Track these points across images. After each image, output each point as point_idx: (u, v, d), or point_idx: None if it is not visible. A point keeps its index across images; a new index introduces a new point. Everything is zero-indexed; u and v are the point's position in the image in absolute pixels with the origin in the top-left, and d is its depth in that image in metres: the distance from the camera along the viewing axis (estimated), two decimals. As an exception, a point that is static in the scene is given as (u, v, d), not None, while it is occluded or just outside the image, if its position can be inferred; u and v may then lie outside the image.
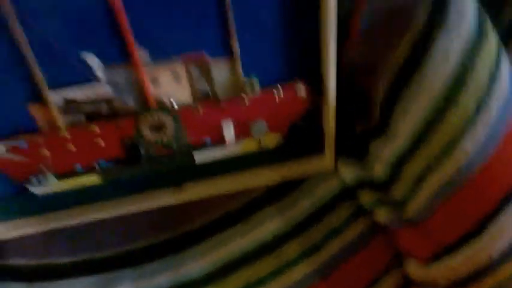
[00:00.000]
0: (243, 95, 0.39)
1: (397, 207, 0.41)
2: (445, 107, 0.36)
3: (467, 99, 0.35)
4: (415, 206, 0.39)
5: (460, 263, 0.38)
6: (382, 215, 0.42)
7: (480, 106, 0.35)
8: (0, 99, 0.37)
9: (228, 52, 0.37)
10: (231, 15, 0.35)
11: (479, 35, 0.37)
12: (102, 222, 0.43)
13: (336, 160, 0.44)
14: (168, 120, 0.39)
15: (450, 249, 0.38)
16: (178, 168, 0.43)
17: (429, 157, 0.37)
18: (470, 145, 0.35)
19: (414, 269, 0.42)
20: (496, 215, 0.35)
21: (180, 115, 0.39)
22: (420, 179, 0.38)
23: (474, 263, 0.37)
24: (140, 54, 0.36)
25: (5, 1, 0.32)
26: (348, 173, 0.44)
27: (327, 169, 0.45)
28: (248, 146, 0.43)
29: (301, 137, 0.44)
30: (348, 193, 0.44)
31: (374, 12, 0.42)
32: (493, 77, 0.36)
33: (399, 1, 0.40)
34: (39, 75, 0.36)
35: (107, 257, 0.44)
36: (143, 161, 0.41)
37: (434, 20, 0.37)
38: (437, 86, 0.36)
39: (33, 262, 0.44)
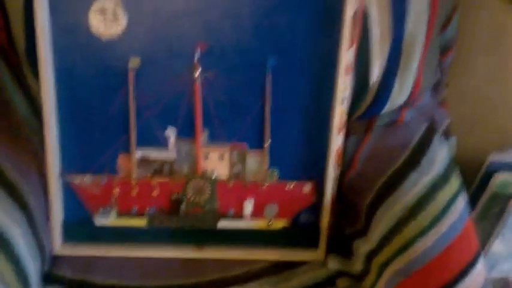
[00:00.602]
0: (265, 182, 0.54)
1: None
2: (407, 220, 0.49)
3: (424, 218, 0.49)
4: None
5: None
6: None
7: (433, 224, 0.48)
8: (98, 146, 0.54)
9: (261, 146, 0.54)
10: (268, 122, 0.53)
11: (444, 178, 0.51)
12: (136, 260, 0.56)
13: (327, 253, 0.56)
14: (207, 187, 0.54)
15: None
16: (203, 230, 0.56)
17: (390, 254, 0.49)
18: (421, 249, 0.47)
19: None
20: None
21: (216, 185, 0.54)
22: (382, 270, 0.49)
23: None
24: (203, 135, 0.53)
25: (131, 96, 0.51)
26: (334, 265, 0.55)
27: (318, 259, 0.56)
28: (260, 224, 0.56)
29: (302, 228, 0.57)
30: (330, 280, 0.55)
31: (370, 149, 0.58)
32: (448, 207, 0.49)
33: (390, 144, 0.57)
34: (134, 136, 0.53)
35: (134, 286, 0.54)
36: (181, 214, 0.55)
37: (411, 161, 0.53)
38: (404, 206, 0.50)
39: (76, 277, 0.55)
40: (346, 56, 0.51)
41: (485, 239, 0.59)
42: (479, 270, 0.47)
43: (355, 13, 0.50)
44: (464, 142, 0.63)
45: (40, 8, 0.49)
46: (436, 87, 0.61)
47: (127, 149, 0.54)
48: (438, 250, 0.47)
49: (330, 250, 0.57)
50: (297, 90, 0.53)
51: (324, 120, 0.53)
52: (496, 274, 0.60)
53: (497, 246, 0.57)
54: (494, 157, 0.57)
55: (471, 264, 0.47)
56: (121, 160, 0.54)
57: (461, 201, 0.51)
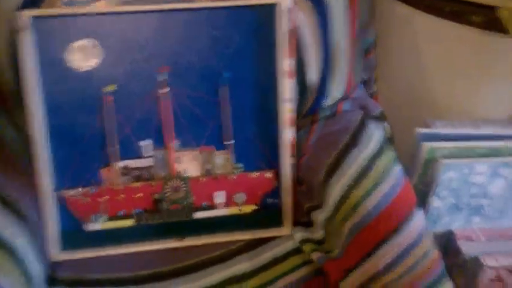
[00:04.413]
0: (231, 175, 0.64)
1: (327, 251, 0.63)
2: (353, 187, 0.60)
3: (368, 183, 0.60)
4: (337, 249, 0.61)
5: (360, 274, 0.58)
6: (315, 256, 0.64)
7: (376, 186, 0.59)
8: (85, 163, 0.62)
9: (226, 148, 0.64)
10: (229, 126, 0.62)
11: (380, 151, 0.62)
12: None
13: (293, 228, 0.67)
14: (182, 185, 0.63)
15: (356, 267, 0.58)
16: (183, 222, 0.65)
17: (343, 216, 0.60)
18: (368, 207, 0.58)
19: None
20: (382, 244, 0.56)
21: (190, 183, 0.63)
22: (338, 231, 0.60)
23: (368, 273, 0.57)
24: (175, 143, 0.62)
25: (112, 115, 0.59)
26: (299, 236, 0.66)
27: (285, 233, 0.67)
28: (232, 211, 0.66)
29: (269, 210, 0.67)
30: (297, 250, 0.65)
31: (317, 138, 0.68)
32: (387, 172, 0.60)
33: (332, 131, 0.67)
34: (113, 151, 0.61)
35: (128, 277, 0.63)
36: (163, 211, 0.64)
37: (352, 142, 0.63)
38: (349, 177, 0.61)
39: (75, 277, 0.63)
40: (285, 63, 0.61)
41: (425, 199, 0.70)
42: (418, 218, 0.58)
43: (290, 29, 0.60)
44: (396, 125, 0.74)
45: (25, 46, 0.56)
46: (367, 82, 0.73)
47: (110, 162, 0.62)
48: (383, 206, 0.58)
49: (296, 225, 0.68)
50: (250, 96, 0.63)
51: (276, 118, 0.64)
52: (440, 228, 0.70)
53: (436, 203, 0.68)
54: (421, 131, 0.68)
55: (411, 214, 0.57)
56: (105, 172, 0.62)
57: (398, 167, 0.61)
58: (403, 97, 0.78)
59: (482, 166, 0.63)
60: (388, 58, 0.76)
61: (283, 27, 0.60)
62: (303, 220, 0.68)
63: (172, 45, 0.60)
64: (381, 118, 0.71)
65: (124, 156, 0.62)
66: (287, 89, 0.62)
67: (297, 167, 0.68)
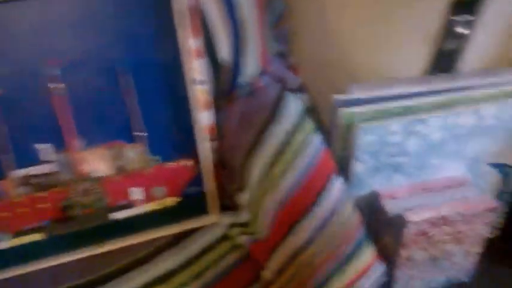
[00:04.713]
0: (147, 169, 0.59)
1: (252, 233, 0.62)
2: (273, 164, 0.59)
3: (287, 158, 0.58)
4: (262, 230, 0.60)
5: (283, 253, 0.57)
6: (242, 239, 0.63)
7: (295, 160, 0.58)
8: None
9: (139, 140, 0.58)
10: (138, 117, 0.57)
11: (298, 125, 0.60)
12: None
13: (220, 214, 0.64)
14: (93, 187, 0.57)
15: (279, 245, 0.57)
16: (101, 226, 0.60)
17: (264, 193, 0.58)
18: (289, 181, 0.57)
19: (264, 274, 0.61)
20: (302, 218, 0.56)
21: (101, 184, 0.58)
22: (262, 209, 0.59)
23: (291, 249, 0.57)
24: (78, 143, 0.55)
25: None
26: (225, 221, 0.64)
27: (212, 221, 0.64)
28: (153, 206, 0.61)
29: (193, 199, 0.63)
30: (224, 237, 0.63)
31: (237, 118, 0.65)
32: (305, 146, 0.59)
33: (251, 109, 0.64)
34: (7, 160, 0.54)
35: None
36: (75, 218, 0.58)
37: (270, 118, 0.61)
38: (268, 154, 0.59)
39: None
40: (191, 43, 0.56)
41: (347, 164, 0.70)
42: (337, 187, 0.58)
43: (193, 7, 0.56)
44: (318, 94, 0.73)
45: None
46: (283, 55, 0.71)
47: (5, 172, 0.54)
48: (301, 180, 0.57)
49: (224, 210, 0.65)
50: (157, 82, 0.58)
51: (188, 103, 0.59)
52: (365, 190, 0.71)
53: (358, 167, 0.68)
54: (337, 97, 0.67)
55: (329, 184, 0.57)
56: (2, 184, 0.55)
57: (316, 138, 0.61)
58: (321, 65, 0.76)
59: (396, 125, 0.64)
60: (302, 27, 0.74)
61: (181, 5, 0.55)
62: (230, 205, 0.65)
63: (60, 35, 0.53)
64: (299, 90, 0.70)
65: (22, 165, 0.55)
66: (197, 70, 0.58)
67: (219, 151, 0.64)
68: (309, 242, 0.56)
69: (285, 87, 0.66)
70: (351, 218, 0.56)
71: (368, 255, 0.58)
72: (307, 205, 0.56)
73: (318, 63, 0.77)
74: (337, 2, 0.69)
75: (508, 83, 0.67)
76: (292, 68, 0.74)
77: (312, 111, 0.70)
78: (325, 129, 0.63)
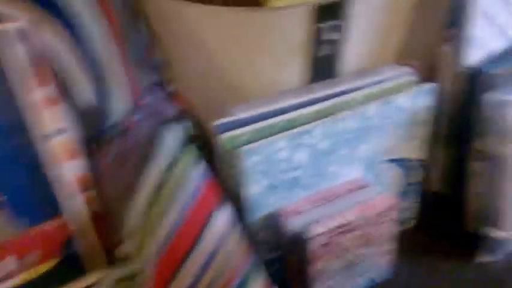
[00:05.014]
0: (14, 236, 0.54)
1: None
2: (150, 208, 0.55)
3: (163, 199, 0.54)
4: (150, 276, 0.55)
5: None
6: None
7: (172, 201, 0.54)
8: None
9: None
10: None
11: (175, 161, 0.57)
12: None
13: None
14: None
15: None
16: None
17: (147, 240, 0.54)
18: (169, 222, 0.53)
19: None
20: (188, 256, 0.53)
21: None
22: (145, 258, 0.54)
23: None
24: None
25: None
26: (112, 277, 0.59)
27: (95, 280, 0.59)
28: (28, 276, 0.56)
29: (72, 260, 0.58)
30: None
31: (111, 161, 0.61)
32: (182, 182, 0.55)
33: (125, 149, 0.60)
34: None
35: None
36: None
37: (144, 157, 0.57)
38: (146, 195, 0.55)
39: None
40: (35, 95, 0.52)
41: (239, 189, 0.67)
42: (220, 217, 0.55)
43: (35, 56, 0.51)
44: (205, 119, 0.70)
45: None
46: (160, 85, 0.67)
47: None
48: (183, 217, 0.54)
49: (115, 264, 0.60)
50: (5, 145, 0.52)
51: (44, 158, 0.54)
52: (265, 211, 0.67)
53: (252, 189, 0.64)
54: (216, 123, 0.64)
55: (212, 216, 0.54)
56: None
57: (197, 170, 0.57)
58: (203, 89, 0.73)
59: (281, 141, 0.62)
60: (175, 53, 0.70)
61: (17, 55, 0.50)
62: (120, 257, 0.60)
63: None
64: (180, 118, 0.66)
65: None
66: (53, 119, 0.53)
67: (98, 200, 0.59)
68: (197, 280, 0.53)
69: (161, 120, 0.62)
70: (237, 249, 0.53)
71: (258, 285, 0.55)
72: (192, 241, 0.53)
73: (201, 88, 0.74)
74: (204, 24, 0.66)
75: (387, 80, 0.67)
76: (172, 97, 0.70)
77: (198, 137, 0.67)
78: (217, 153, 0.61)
